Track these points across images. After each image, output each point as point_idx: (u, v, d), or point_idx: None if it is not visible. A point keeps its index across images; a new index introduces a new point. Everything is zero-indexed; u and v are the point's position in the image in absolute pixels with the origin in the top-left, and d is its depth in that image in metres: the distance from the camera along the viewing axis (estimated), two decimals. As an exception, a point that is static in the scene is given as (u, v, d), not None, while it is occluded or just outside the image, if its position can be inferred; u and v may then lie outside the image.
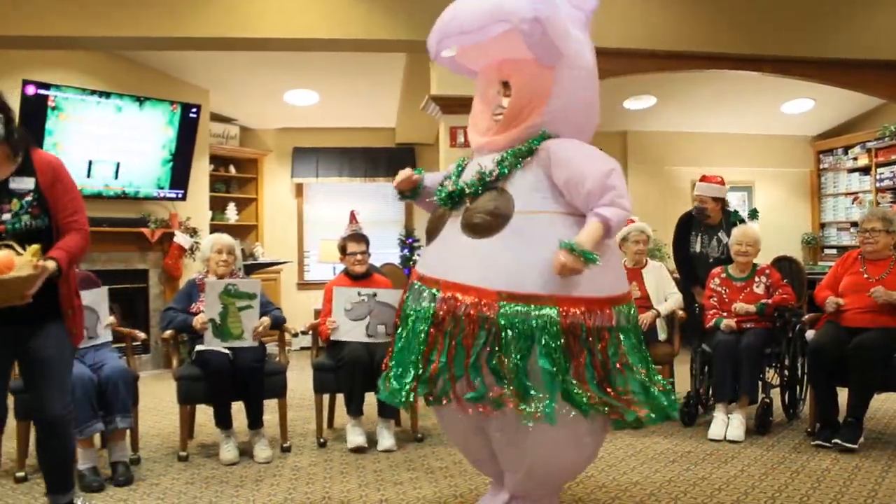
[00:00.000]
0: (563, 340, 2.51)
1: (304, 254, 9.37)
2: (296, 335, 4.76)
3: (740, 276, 4.85)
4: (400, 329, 2.84)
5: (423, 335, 2.68)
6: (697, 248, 5.47)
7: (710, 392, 4.91)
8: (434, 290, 2.70)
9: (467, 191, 2.76)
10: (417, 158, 9.38)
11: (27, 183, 2.82)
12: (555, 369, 2.50)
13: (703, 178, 5.45)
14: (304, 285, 9.27)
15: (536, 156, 2.70)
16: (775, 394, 4.88)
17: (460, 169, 2.94)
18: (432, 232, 2.92)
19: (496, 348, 2.53)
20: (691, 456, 4.16)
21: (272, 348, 4.84)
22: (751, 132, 9.62)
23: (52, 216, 2.85)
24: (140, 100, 6.97)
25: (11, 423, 3.97)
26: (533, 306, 2.53)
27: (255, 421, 4.26)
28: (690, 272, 5.49)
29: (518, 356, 2.51)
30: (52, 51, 6.40)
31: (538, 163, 2.70)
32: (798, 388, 4.93)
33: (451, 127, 5.89)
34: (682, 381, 5.53)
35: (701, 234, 5.46)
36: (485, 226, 2.64)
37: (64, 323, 2.91)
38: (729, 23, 6.18)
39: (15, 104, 6.09)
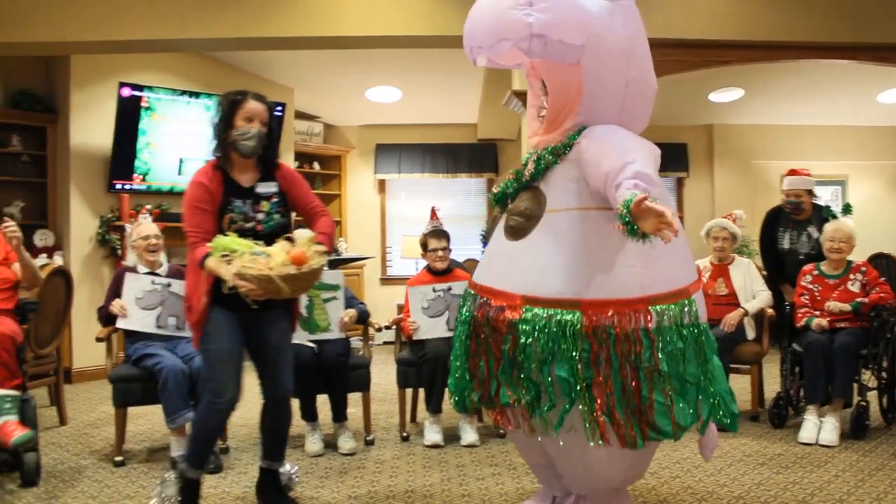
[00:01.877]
0: (586, 347, 2.41)
1: (386, 249, 9.48)
2: (379, 330, 4.82)
3: (834, 274, 4.67)
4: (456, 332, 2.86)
5: (466, 340, 2.70)
6: (786, 245, 5.29)
7: (801, 393, 4.75)
8: (476, 295, 2.71)
9: (508, 191, 2.73)
10: (499, 154, 9.36)
11: (272, 186, 3.17)
12: (572, 378, 2.41)
13: (793, 172, 5.28)
14: (386, 280, 9.37)
15: (573, 150, 2.61)
16: (872, 397, 4.68)
17: (524, 166, 2.85)
18: (488, 234, 2.92)
19: (519, 355, 2.48)
20: (781, 459, 4.04)
21: (356, 342, 4.91)
22: (844, 124, 9.26)
23: (291, 213, 3.25)
24: (228, 99, 7.15)
25: (111, 409, 4.16)
26: (556, 311, 2.45)
27: (340, 414, 4.33)
28: (779, 269, 5.34)
29: (538, 363, 2.45)
30: (145, 54, 6.65)
31: (573, 157, 2.60)
32: (897, 391, 4.73)
33: (533, 122, 5.84)
34: (772, 381, 5.38)
35: (790, 230, 5.29)
36: (518, 228, 2.60)
37: (288, 310, 3.27)
38: (822, 9, 5.94)
39: (112, 105, 6.42)
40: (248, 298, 2.79)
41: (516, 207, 2.66)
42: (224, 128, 3.08)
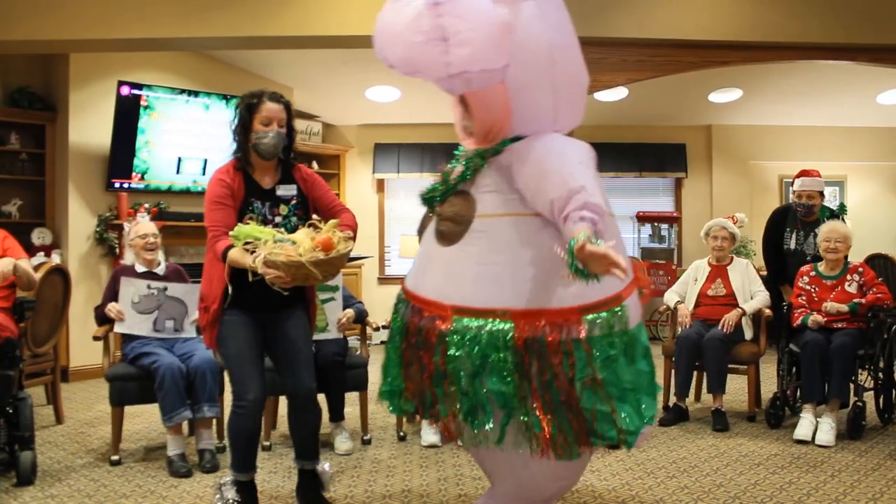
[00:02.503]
0: (517, 358, 2.30)
1: (384, 249, 9.47)
2: (377, 329, 4.82)
3: (831, 275, 4.68)
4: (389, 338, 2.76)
5: (399, 349, 2.61)
6: (792, 245, 5.25)
7: (798, 394, 4.76)
8: (409, 302, 2.61)
9: (435, 195, 2.63)
10: (497, 154, 9.35)
11: (291, 189, 3.19)
12: (504, 389, 2.32)
13: (805, 173, 5.19)
14: (384, 280, 9.37)
15: (502, 155, 2.46)
16: (868, 397, 4.68)
17: (454, 164, 2.69)
18: (420, 234, 2.79)
19: (449, 366, 2.39)
20: (777, 459, 4.04)
21: (354, 342, 4.91)
22: (843, 124, 9.26)
23: (311, 214, 3.22)
24: (227, 98, 7.15)
25: (107, 408, 4.16)
26: (486, 321, 2.34)
27: (337, 413, 4.34)
28: (781, 269, 5.32)
29: (468, 375, 2.35)
30: (144, 52, 6.65)
31: (502, 163, 2.46)
32: (893, 391, 4.73)
33: (531, 122, 5.83)
34: (769, 381, 5.38)
35: (797, 230, 5.24)
36: (448, 233, 2.49)
37: (307, 309, 3.30)
38: (821, 10, 5.94)
39: (111, 104, 6.41)
40: (276, 286, 2.75)
41: (446, 211, 2.55)
42: (243, 133, 3.08)
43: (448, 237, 2.50)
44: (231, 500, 3.11)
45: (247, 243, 2.80)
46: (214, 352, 4.34)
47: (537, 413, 2.33)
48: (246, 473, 3.13)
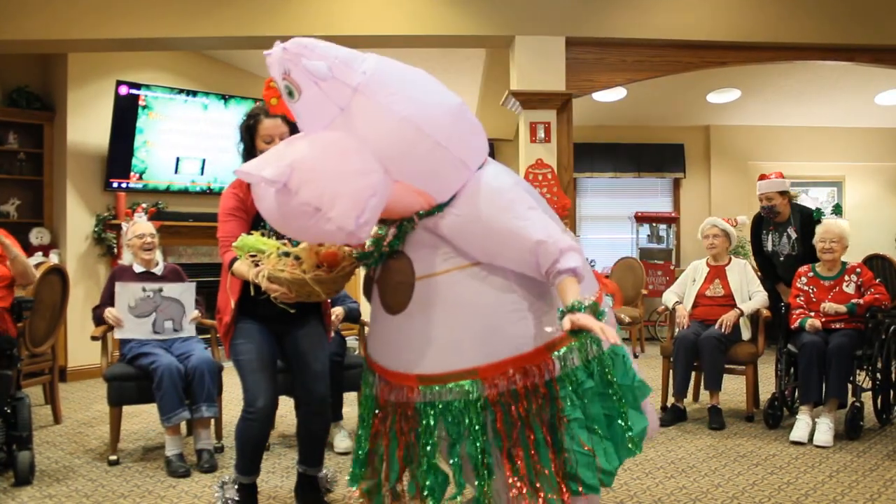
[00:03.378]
0: (492, 416, 2.23)
1: (382, 249, 9.45)
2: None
3: (829, 275, 4.68)
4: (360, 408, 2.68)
5: (371, 419, 2.54)
6: (769, 247, 5.54)
7: (797, 394, 4.76)
8: (375, 372, 2.54)
9: (368, 261, 2.53)
10: (497, 154, 9.34)
11: None
12: (478, 454, 2.24)
13: (763, 177, 5.50)
14: (382, 280, 9.35)
15: (435, 217, 2.33)
16: (866, 397, 4.68)
17: (383, 231, 2.56)
18: (367, 296, 2.66)
19: (427, 439, 2.31)
20: (776, 459, 4.04)
21: (352, 342, 4.91)
22: (841, 125, 9.27)
23: None
24: (225, 98, 7.16)
25: (105, 408, 4.16)
26: (454, 385, 2.26)
27: (335, 413, 4.33)
28: (771, 270, 5.55)
29: (448, 446, 2.29)
30: (143, 52, 6.65)
31: (434, 223, 2.34)
32: (892, 391, 4.73)
33: (530, 122, 5.85)
34: (767, 381, 5.38)
35: (771, 233, 5.53)
36: (392, 303, 2.39)
37: (321, 316, 3.29)
38: (820, 11, 5.96)
39: (109, 103, 6.41)
40: (279, 302, 2.69)
41: (385, 280, 2.44)
42: (248, 155, 3.08)
43: (393, 307, 2.39)
44: (231, 500, 3.11)
45: (252, 256, 2.77)
46: (214, 354, 4.36)
47: (519, 470, 2.24)
48: (249, 477, 3.14)
